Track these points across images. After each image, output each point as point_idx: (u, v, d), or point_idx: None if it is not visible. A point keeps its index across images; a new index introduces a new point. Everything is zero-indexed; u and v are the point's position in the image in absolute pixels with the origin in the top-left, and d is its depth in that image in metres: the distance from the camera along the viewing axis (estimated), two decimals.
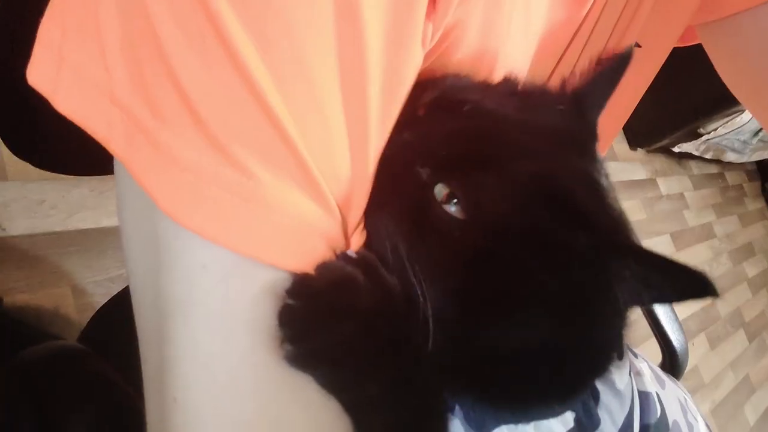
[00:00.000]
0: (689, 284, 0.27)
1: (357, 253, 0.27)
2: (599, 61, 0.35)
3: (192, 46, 0.21)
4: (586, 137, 0.34)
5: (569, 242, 0.28)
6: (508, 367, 0.30)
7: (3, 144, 0.98)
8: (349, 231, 0.27)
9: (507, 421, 0.32)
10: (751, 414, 2.36)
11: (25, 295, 0.95)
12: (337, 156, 0.25)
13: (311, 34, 0.22)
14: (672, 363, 0.72)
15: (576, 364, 0.32)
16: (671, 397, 0.45)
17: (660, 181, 2.55)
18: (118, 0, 0.22)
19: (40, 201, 1.01)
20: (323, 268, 0.25)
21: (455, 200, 0.28)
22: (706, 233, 2.71)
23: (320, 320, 0.25)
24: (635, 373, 0.42)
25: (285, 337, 0.24)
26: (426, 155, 0.29)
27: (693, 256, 2.52)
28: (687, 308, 2.31)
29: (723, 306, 2.53)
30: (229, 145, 0.22)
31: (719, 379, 2.28)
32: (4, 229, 0.96)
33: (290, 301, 0.24)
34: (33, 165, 0.47)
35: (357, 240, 0.28)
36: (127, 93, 0.23)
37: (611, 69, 0.35)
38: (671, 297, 0.30)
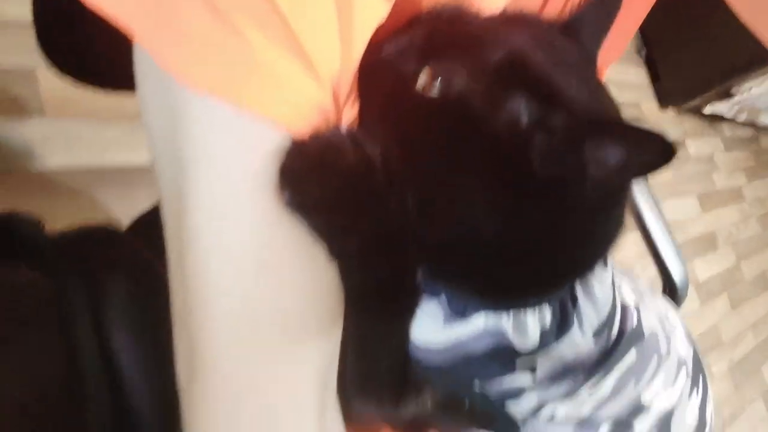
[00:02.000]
0: (655, 148, 0.28)
1: (347, 126, 0.31)
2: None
3: None
4: (575, 51, 0.35)
5: (543, 121, 0.31)
6: (488, 252, 0.33)
7: (44, 82, 1.04)
8: (341, 108, 0.31)
9: (486, 309, 0.36)
10: None
11: (64, 223, 1.01)
12: (327, 37, 0.29)
13: None
14: (671, 292, 0.74)
15: (552, 260, 0.35)
16: (650, 310, 0.48)
17: (689, 142, 2.52)
18: None
19: (76, 138, 1.07)
20: (317, 135, 0.29)
21: (434, 84, 0.31)
22: (735, 196, 2.67)
23: (315, 174, 0.28)
24: (617, 286, 0.45)
25: (285, 187, 0.28)
26: (410, 52, 0.32)
27: (720, 219, 2.49)
28: (710, 269, 2.30)
29: (748, 269, 2.51)
30: (229, 14, 0.26)
31: (738, 339, 2.29)
32: (44, 163, 1.03)
33: (290, 158, 0.28)
34: (71, 76, 0.51)
35: (349, 113, 0.32)
36: None
37: (601, 3, 0.37)
38: (643, 169, 0.30)
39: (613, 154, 0.29)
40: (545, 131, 0.30)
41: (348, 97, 0.32)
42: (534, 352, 0.37)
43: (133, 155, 1.11)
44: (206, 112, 0.27)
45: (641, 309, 0.46)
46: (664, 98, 2.41)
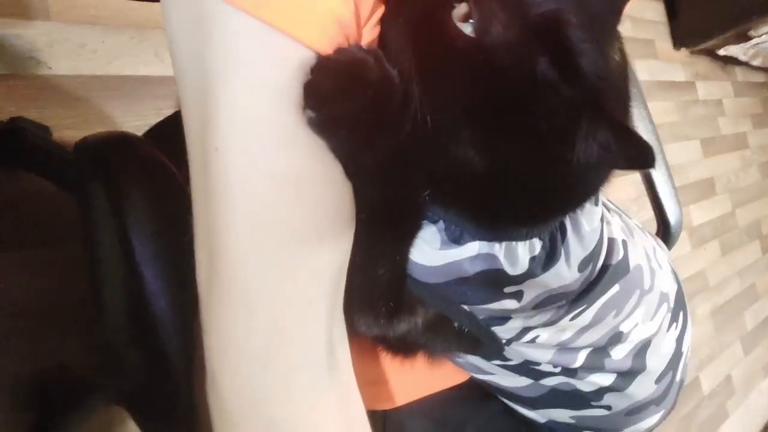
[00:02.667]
0: (637, 154, 0.30)
1: (368, 45, 0.32)
2: None
3: None
4: (610, 12, 0.36)
5: (555, 86, 0.31)
6: (487, 185, 0.35)
7: None
8: (362, 24, 0.32)
9: (480, 238, 0.38)
10: (750, 320, 2.45)
11: (71, 131, 1.02)
12: None
13: None
14: (665, 233, 0.77)
15: (541, 198, 0.37)
16: (638, 245, 0.50)
17: (699, 84, 2.48)
18: None
19: (81, 44, 1.05)
20: (340, 51, 0.30)
21: (471, 21, 0.32)
22: (738, 143, 2.66)
23: (335, 93, 0.29)
24: (606, 221, 0.47)
25: (307, 105, 0.29)
26: None
27: (721, 164, 2.50)
28: (705, 214, 2.33)
29: (743, 216, 2.55)
30: None
31: (724, 284, 2.35)
32: (50, 68, 1.01)
33: (313, 76, 0.29)
34: None
35: (368, 34, 0.32)
36: None
37: None
38: (621, 164, 0.33)
39: (600, 141, 0.31)
40: (554, 95, 0.32)
41: (370, 14, 0.32)
42: (522, 280, 0.39)
43: (139, 65, 1.10)
44: (234, 24, 0.28)
45: (629, 244, 0.48)
46: (680, 38, 2.35)
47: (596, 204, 0.43)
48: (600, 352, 0.49)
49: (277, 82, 0.29)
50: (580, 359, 0.48)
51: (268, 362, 0.31)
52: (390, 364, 0.50)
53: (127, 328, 0.41)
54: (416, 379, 0.52)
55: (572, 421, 0.52)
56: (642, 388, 0.51)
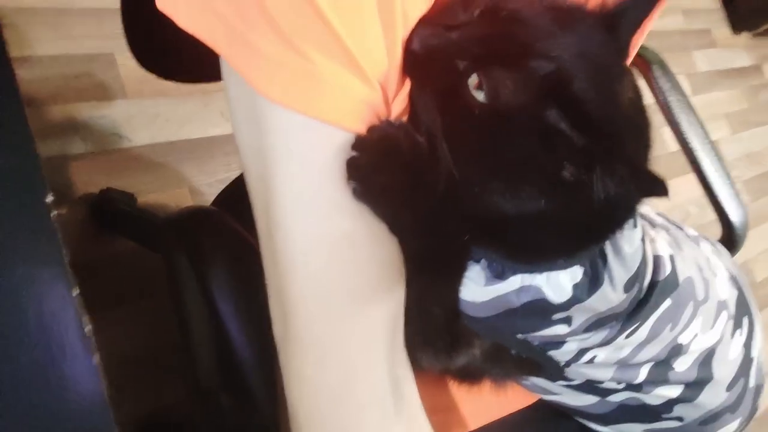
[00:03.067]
0: (653, 186, 0.33)
1: (396, 120, 0.36)
2: None
3: None
4: (614, 53, 0.38)
5: (567, 137, 0.34)
6: (519, 225, 0.38)
7: (123, 65, 1.13)
8: (390, 101, 0.36)
9: (522, 271, 0.40)
10: None
11: (153, 195, 1.12)
12: (374, 44, 0.33)
13: None
14: (729, 233, 0.76)
15: (571, 232, 0.39)
16: (687, 258, 0.51)
17: (766, 67, 2.37)
18: None
19: (155, 115, 1.16)
20: (373, 129, 0.34)
21: (482, 88, 0.35)
22: None
23: (372, 166, 0.34)
24: (650, 239, 0.48)
25: (351, 178, 0.34)
26: (465, 51, 0.35)
27: None
28: None
29: None
30: (294, 39, 0.31)
31: None
32: (130, 141, 1.13)
33: (354, 153, 0.34)
34: (158, 75, 0.58)
35: (396, 109, 0.36)
36: (224, 6, 0.32)
37: None
38: (637, 198, 0.37)
39: (615, 181, 0.34)
40: (568, 145, 0.34)
41: (397, 91, 0.36)
42: (568, 306, 0.41)
43: (208, 127, 1.20)
44: (283, 119, 0.33)
45: (676, 259, 0.49)
46: (739, 22, 2.26)
47: (635, 226, 0.44)
48: (662, 365, 0.50)
49: (324, 163, 0.33)
50: (642, 374, 0.49)
51: (339, 401, 0.35)
52: (458, 392, 0.53)
53: (218, 376, 0.47)
54: (486, 404, 0.55)
55: None
56: (713, 397, 0.51)
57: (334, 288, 0.35)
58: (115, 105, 1.12)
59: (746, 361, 0.53)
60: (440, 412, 0.54)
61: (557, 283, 0.40)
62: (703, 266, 0.52)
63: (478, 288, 0.41)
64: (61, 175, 1.05)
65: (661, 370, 0.50)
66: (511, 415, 0.57)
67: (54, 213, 0.35)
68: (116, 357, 0.94)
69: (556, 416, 0.57)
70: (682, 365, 0.50)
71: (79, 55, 1.11)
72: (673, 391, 0.51)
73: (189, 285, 0.43)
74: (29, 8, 1.08)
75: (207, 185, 1.19)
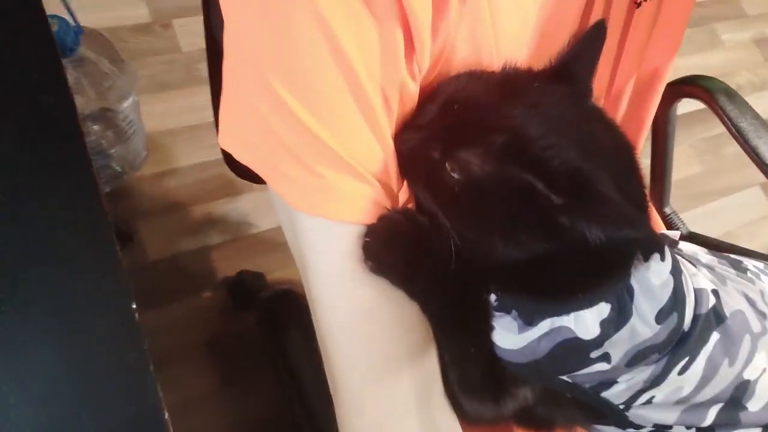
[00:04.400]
0: (632, 227, 0.37)
1: (401, 208, 0.43)
2: (576, 35, 0.44)
3: (284, 121, 0.39)
4: (573, 98, 0.43)
5: (547, 196, 0.39)
6: (534, 268, 0.42)
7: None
8: (396, 192, 0.43)
9: (550, 315, 0.44)
10: None
11: (279, 273, 1.28)
12: (361, 142, 0.40)
13: (336, 95, 0.38)
14: None
15: (582, 274, 0.43)
16: (732, 292, 0.51)
17: None
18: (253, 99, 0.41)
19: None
20: (381, 218, 0.42)
21: (456, 170, 0.41)
22: None
23: (382, 246, 0.41)
24: (691, 274, 0.49)
25: (366, 258, 0.41)
26: (435, 144, 0.42)
27: None
28: None
29: None
30: (308, 162, 0.39)
31: None
32: (258, 227, 1.30)
33: (367, 239, 0.42)
34: (247, 180, 0.71)
35: (403, 198, 0.44)
36: (260, 144, 0.41)
37: (590, 37, 0.44)
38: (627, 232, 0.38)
39: (602, 228, 0.38)
40: (546, 202, 0.39)
41: (398, 187, 0.44)
42: (600, 342, 0.43)
43: None
44: (308, 223, 0.42)
45: (720, 292, 0.49)
46: None
47: (662, 259, 0.46)
48: (732, 406, 0.49)
49: (344, 251, 0.41)
50: (710, 417, 0.49)
51: None
52: None
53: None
54: None
55: None
56: None
57: (363, 349, 0.42)
58: (243, 198, 1.31)
59: None
60: None
61: (584, 322, 0.43)
62: (756, 300, 0.51)
63: (512, 336, 0.45)
64: (202, 264, 1.24)
65: (732, 411, 0.49)
66: None
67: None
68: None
69: None
70: (756, 404, 0.49)
71: (212, 161, 1.32)
72: None
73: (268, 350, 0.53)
74: (170, 130, 1.32)
75: None
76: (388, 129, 0.42)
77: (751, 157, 0.74)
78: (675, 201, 1.70)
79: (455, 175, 0.41)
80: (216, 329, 1.20)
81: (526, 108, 0.41)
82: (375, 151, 0.41)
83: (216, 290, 1.21)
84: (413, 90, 0.42)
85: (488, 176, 0.40)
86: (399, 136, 0.43)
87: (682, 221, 0.91)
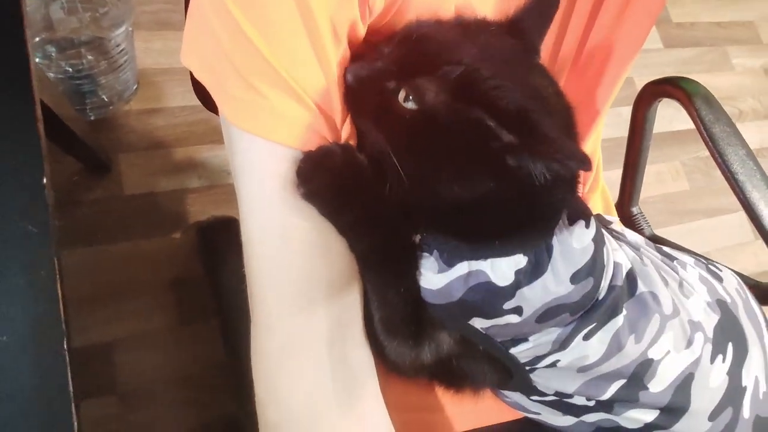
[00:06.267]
0: (576, 160, 0.38)
1: (344, 140, 0.44)
2: None
3: (235, 40, 0.39)
4: (521, 52, 0.44)
5: (496, 133, 0.40)
6: (460, 214, 0.43)
7: None
8: (338, 126, 0.44)
9: (468, 258, 0.45)
10: None
11: None
12: (306, 69, 0.41)
13: (286, 18, 0.38)
14: None
15: (516, 217, 0.44)
16: (651, 274, 0.52)
17: None
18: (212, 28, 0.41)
19: None
20: (318, 147, 0.42)
21: (411, 98, 0.42)
22: None
23: (312, 173, 0.42)
24: (613, 249, 0.50)
25: (299, 183, 0.42)
26: (390, 73, 0.43)
27: None
28: None
29: None
30: (253, 81, 0.40)
31: None
32: None
33: (301, 164, 0.42)
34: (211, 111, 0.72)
35: (346, 130, 0.44)
36: (213, 62, 0.41)
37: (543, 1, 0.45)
38: (568, 170, 0.40)
39: (546, 167, 0.39)
40: (499, 142, 0.40)
41: (343, 119, 0.44)
42: (511, 291, 0.44)
43: None
44: (245, 142, 0.42)
45: (639, 271, 0.50)
46: None
47: (587, 226, 0.47)
48: (633, 383, 0.49)
49: (277, 172, 0.42)
50: (610, 391, 0.50)
51: (280, 367, 0.42)
52: (444, 395, 0.57)
53: None
54: (473, 410, 0.58)
55: None
56: (693, 426, 0.50)
57: (283, 273, 0.43)
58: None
59: (735, 390, 0.51)
60: (425, 411, 0.58)
61: (500, 268, 0.44)
62: (673, 286, 0.52)
63: (432, 276, 0.45)
64: (177, 205, 1.25)
65: (632, 389, 0.50)
66: (501, 424, 0.59)
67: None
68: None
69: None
70: (657, 386, 0.50)
71: (202, 106, 1.32)
72: (647, 416, 0.50)
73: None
74: (165, 68, 1.32)
75: None
76: (335, 61, 0.42)
77: (717, 163, 0.74)
78: (658, 214, 1.72)
79: (409, 105, 0.42)
80: (181, 270, 1.21)
81: (480, 49, 0.42)
82: (319, 79, 0.41)
83: (186, 232, 1.22)
84: (361, 33, 0.43)
85: (442, 106, 0.41)
86: (349, 67, 0.43)
87: (647, 223, 0.92)
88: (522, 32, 0.45)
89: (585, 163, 0.38)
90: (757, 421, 0.52)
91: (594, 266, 0.46)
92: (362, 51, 0.44)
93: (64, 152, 1.12)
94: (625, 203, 0.90)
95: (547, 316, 0.46)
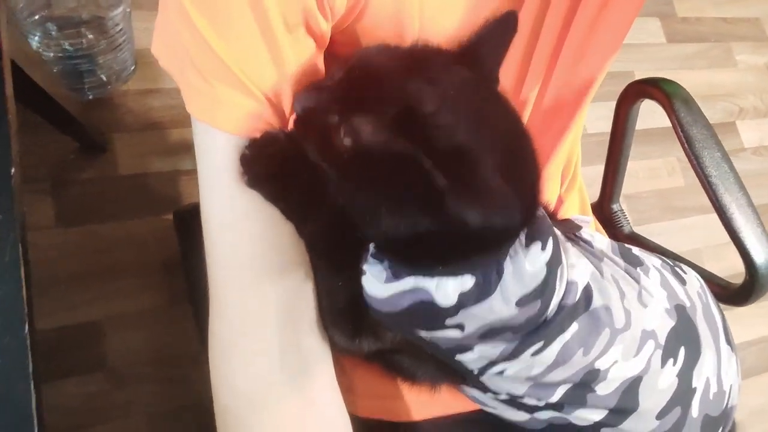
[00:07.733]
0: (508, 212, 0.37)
1: (288, 131, 0.45)
2: (487, 20, 0.44)
3: (190, 33, 0.40)
4: (474, 82, 0.43)
5: (431, 175, 0.38)
6: (402, 243, 0.43)
7: None
8: (287, 114, 0.45)
9: (415, 274, 0.45)
10: None
11: None
12: (263, 71, 0.42)
13: (236, 10, 0.39)
14: (752, 279, 0.71)
15: (455, 247, 0.42)
16: (607, 288, 0.52)
17: None
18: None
19: None
20: (263, 134, 0.44)
21: (348, 136, 0.41)
22: None
23: (255, 159, 0.43)
24: (570, 265, 0.50)
25: (243, 170, 0.43)
26: (332, 108, 0.42)
27: None
28: None
29: None
30: (203, 71, 0.41)
31: None
32: None
33: (246, 151, 0.43)
34: None
35: (292, 123, 0.45)
36: (178, 53, 0.43)
37: (499, 25, 0.44)
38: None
39: (468, 213, 0.37)
40: (433, 185, 0.38)
41: (292, 108, 0.45)
42: (454, 312, 0.45)
43: None
44: (200, 129, 0.44)
45: (594, 287, 0.51)
46: None
47: (543, 249, 0.47)
48: (580, 388, 0.51)
49: (224, 159, 0.43)
50: (557, 394, 0.51)
51: (231, 351, 0.45)
52: (403, 384, 0.59)
53: None
54: (437, 399, 0.59)
55: None
56: (640, 425, 0.51)
57: (232, 255, 0.45)
58: None
59: (684, 391, 0.52)
60: (383, 398, 0.60)
61: (444, 289, 0.44)
62: (631, 296, 0.53)
63: (380, 284, 0.46)
64: (170, 187, 1.27)
65: (579, 392, 0.51)
66: (462, 413, 0.61)
67: None
68: None
69: (503, 425, 0.59)
70: (603, 389, 0.51)
71: None
72: (596, 415, 0.52)
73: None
74: None
75: None
76: (289, 51, 0.43)
77: (692, 165, 0.75)
78: (651, 210, 1.72)
79: (347, 142, 0.41)
80: (173, 251, 1.23)
81: (425, 83, 0.41)
82: (268, 69, 0.43)
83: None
84: (324, 26, 0.43)
85: (378, 146, 0.40)
86: (299, 95, 0.43)
87: (627, 220, 0.93)
88: (478, 59, 0.44)
89: (514, 219, 0.37)
90: (705, 419, 0.53)
91: (544, 290, 0.46)
92: (315, 76, 0.45)
93: (61, 132, 1.14)
94: (606, 200, 0.91)
95: (489, 334, 0.46)
